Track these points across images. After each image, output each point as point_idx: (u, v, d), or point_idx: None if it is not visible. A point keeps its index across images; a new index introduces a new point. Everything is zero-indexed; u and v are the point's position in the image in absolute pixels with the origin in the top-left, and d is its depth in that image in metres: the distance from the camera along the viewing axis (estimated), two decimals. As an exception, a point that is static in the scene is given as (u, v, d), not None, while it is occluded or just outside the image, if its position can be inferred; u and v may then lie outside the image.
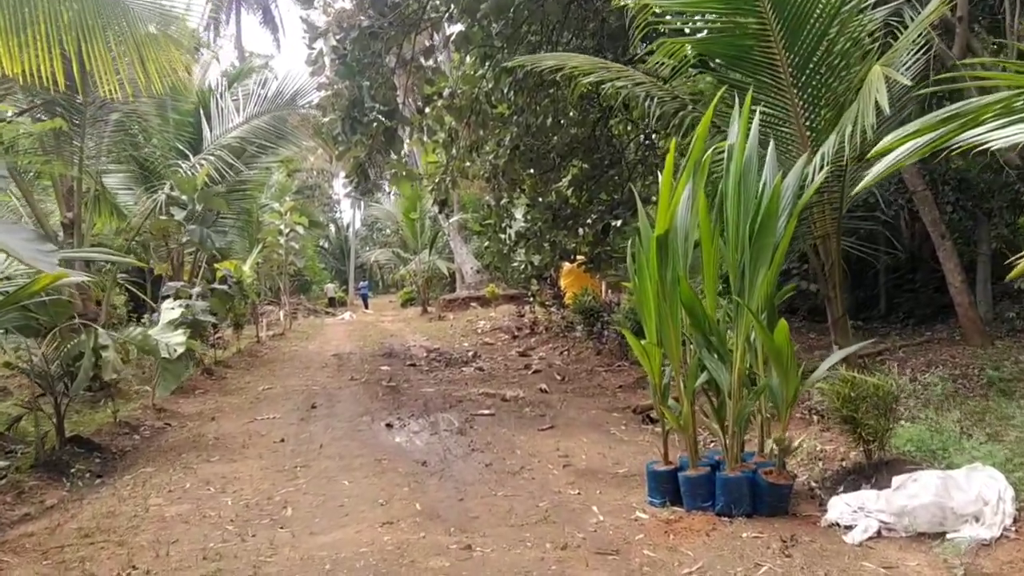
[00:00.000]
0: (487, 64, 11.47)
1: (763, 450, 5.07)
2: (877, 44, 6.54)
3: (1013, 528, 3.81)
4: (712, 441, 6.28)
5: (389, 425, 8.11)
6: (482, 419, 8.16)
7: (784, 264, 5.69)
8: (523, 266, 15.30)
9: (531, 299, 17.68)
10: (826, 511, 4.46)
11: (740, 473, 4.60)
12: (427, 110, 12.46)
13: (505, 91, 12.13)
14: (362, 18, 10.52)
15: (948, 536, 3.91)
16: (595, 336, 12.60)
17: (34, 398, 7.15)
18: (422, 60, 11.69)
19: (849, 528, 4.20)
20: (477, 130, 12.47)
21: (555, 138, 12.43)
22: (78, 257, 8.95)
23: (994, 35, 10.35)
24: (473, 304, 24.68)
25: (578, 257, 13.30)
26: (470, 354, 13.91)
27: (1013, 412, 5.77)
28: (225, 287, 12.81)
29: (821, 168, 5.24)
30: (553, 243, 13.35)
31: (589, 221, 12.89)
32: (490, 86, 11.92)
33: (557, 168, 13.05)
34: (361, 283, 38.45)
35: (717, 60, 7.24)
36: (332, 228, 48.53)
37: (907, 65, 5.93)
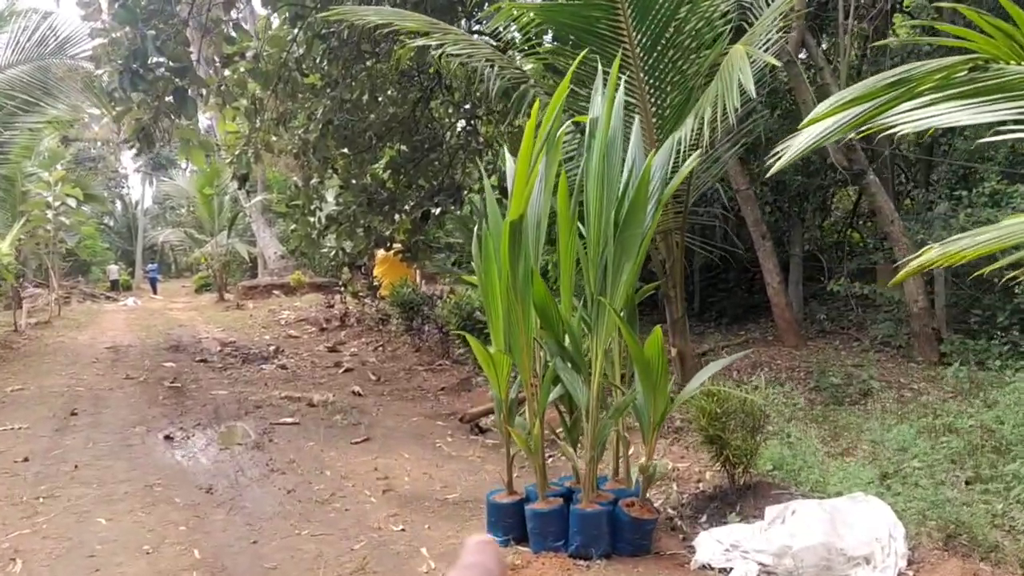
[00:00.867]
0: (298, 26, 10.21)
1: (617, 473, 4.41)
2: (729, 27, 6.13)
3: (909, 572, 3.35)
4: (551, 455, 5.55)
5: (169, 438, 6.77)
6: (284, 429, 6.99)
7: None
8: (333, 252, 14.09)
9: (342, 289, 16.37)
10: (693, 549, 3.84)
11: (599, 506, 3.88)
12: (227, 72, 10.97)
13: (318, 60, 10.98)
14: (147, -48, 8.92)
15: (838, 581, 3.40)
16: (414, 332, 11.65)
17: None
18: (221, 13, 10.19)
19: (724, 572, 3.59)
20: (285, 100, 11.19)
21: (372, 116, 11.42)
22: None
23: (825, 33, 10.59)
24: (276, 292, 22.88)
25: (395, 245, 12.34)
26: (272, 349, 12.46)
27: (858, 422, 5.54)
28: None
29: (679, 152, 4.67)
30: (368, 228, 12.30)
31: (407, 207, 12.00)
32: (301, 51, 10.69)
33: (373, 148, 12.02)
34: (149, 265, 34.87)
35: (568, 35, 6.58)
36: (119, 205, 44.11)
37: (766, 47, 5.50)
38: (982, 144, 8.76)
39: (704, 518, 4.16)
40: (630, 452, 4.43)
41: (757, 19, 6.01)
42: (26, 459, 6.02)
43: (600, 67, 4.47)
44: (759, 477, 4.35)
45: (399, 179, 12.01)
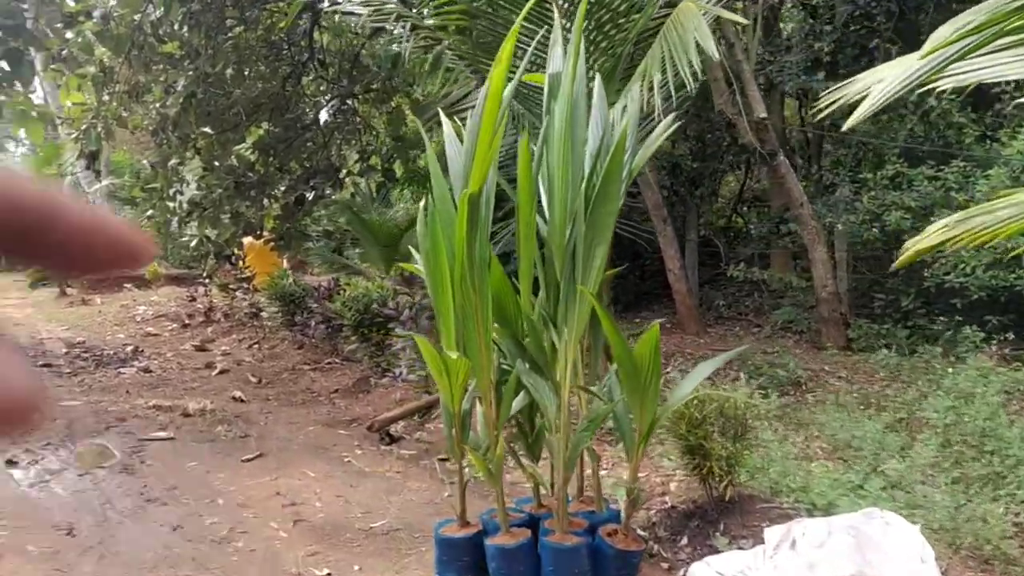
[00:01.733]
0: (154, -17, 8.99)
1: (582, 492, 3.78)
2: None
3: (950, 600, 2.92)
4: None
5: (12, 462, 5.56)
6: (157, 447, 5.92)
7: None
8: (195, 241, 12.70)
9: (206, 280, 14.89)
10: (686, 581, 3.28)
11: (576, 538, 3.24)
12: (70, 34, 9.54)
13: (176, 26, 9.80)
14: None
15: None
16: (297, 327, 10.57)
17: None
18: (62, -38, 8.79)
19: (733, 610, 3.04)
20: (139, 71, 9.90)
21: (238, 91, 10.33)
22: None
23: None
24: (128, 285, 20.76)
25: (264, 233, 11.28)
26: (130, 349, 11.03)
27: (812, 416, 5.19)
28: None
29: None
30: (236, 215, 11.15)
31: (278, 191, 10.96)
32: (158, 14, 9.47)
33: (240, 127, 10.89)
34: (-25, 258, 31.31)
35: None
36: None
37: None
38: (884, 126, 8.77)
39: (684, 540, 3.62)
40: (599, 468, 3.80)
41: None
42: None
43: (558, 18, 3.80)
44: (739, 488, 3.84)
45: (269, 161, 10.96)
